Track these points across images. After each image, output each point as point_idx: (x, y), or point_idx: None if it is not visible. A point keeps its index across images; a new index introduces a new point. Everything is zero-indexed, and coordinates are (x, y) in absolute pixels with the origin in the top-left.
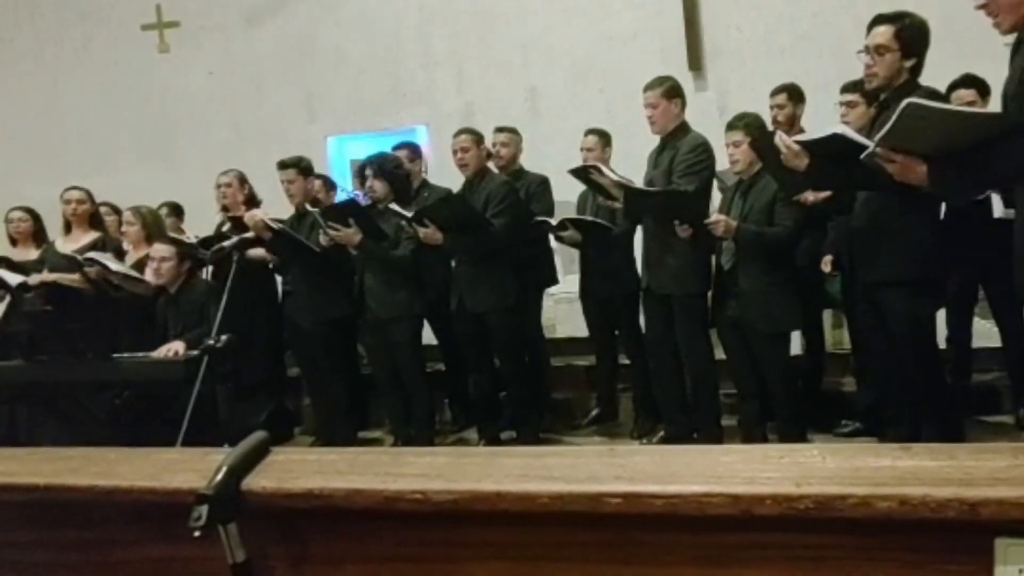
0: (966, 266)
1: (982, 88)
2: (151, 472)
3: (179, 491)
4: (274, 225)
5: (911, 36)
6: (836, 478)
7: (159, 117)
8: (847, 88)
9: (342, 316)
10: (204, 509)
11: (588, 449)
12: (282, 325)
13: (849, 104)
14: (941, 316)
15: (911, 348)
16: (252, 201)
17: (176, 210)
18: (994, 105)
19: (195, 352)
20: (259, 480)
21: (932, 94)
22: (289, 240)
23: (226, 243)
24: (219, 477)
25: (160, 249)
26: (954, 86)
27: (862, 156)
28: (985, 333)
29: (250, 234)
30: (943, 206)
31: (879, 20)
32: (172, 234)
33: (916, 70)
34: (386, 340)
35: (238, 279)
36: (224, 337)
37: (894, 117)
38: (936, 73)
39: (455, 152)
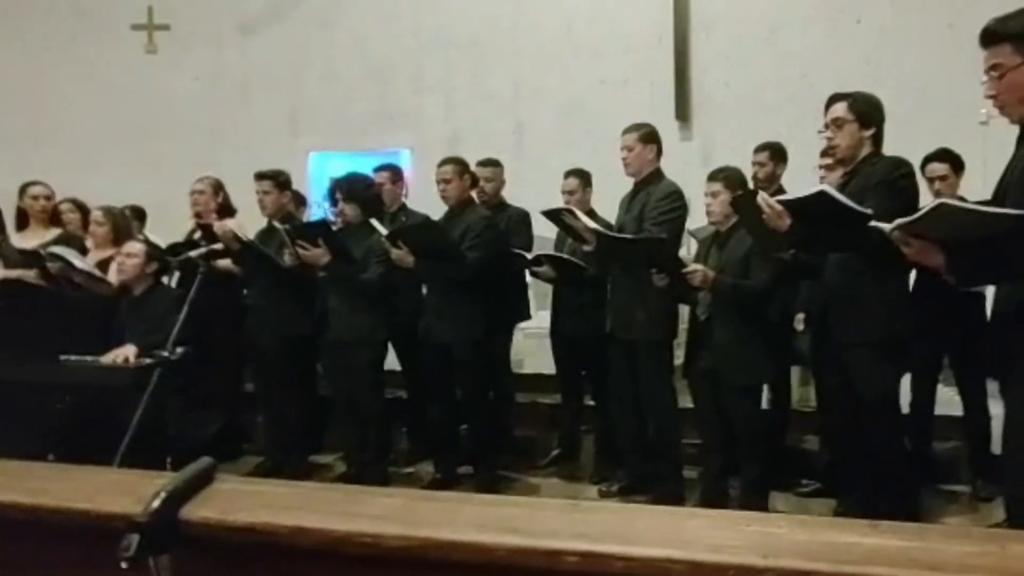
0: (933, 335)
1: (955, 162)
2: (87, 493)
3: (113, 515)
4: (243, 237)
5: (864, 108)
6: (802, 552)
7: (139, 117)
8: (826, 152)
9: (303, 334)
10: (135, 538)
11: (551, 502)
12: (243, 339)
13: (828, 168)
14: (905, 382)
15: (875, 410)
16: (226, 209)
17: (139, 214)
18: (968, 180)
19: (148, 360)
20: (200, 510)
21: (897, 163)
22: (256, 254)
23: (193, 252)
24: (155, 504)
25: (132, 246)
26: (928, 159)
27: (872, 224)
28: (947, 401)
29: (219, 245)
30: (913, 273)
31: (833, 99)
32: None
33: (877, 140)
34: (346, 363)
35: (202, 289)
36: (180, 350)
37: (923, 212)
38: (912, 146)
39: (438, 182)
